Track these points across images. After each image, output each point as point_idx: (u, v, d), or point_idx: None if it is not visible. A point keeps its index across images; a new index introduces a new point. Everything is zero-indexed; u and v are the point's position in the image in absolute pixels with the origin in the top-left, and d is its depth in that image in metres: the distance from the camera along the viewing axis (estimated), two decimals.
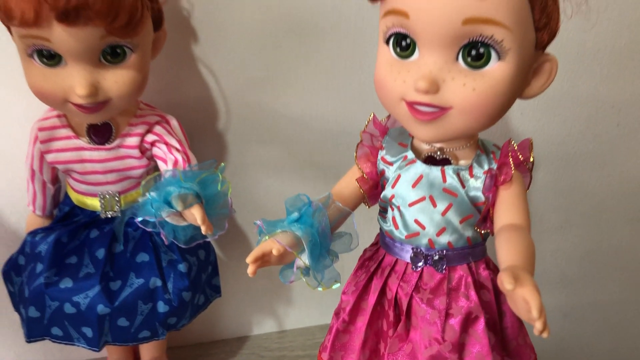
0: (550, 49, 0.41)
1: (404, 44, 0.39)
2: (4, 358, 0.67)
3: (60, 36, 0.43)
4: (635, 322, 0.92)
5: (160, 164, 0.52)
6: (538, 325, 0.32)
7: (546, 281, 0.85)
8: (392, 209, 0.43)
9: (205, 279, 0.57)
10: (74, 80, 0.46)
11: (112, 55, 0.46)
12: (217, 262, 0.60)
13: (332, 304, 0.49)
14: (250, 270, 0.39)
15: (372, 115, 0.45)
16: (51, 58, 0.45)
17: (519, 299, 0.33)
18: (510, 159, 0.41)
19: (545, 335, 0.33)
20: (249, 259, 0.39)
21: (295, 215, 0.41)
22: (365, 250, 0.48)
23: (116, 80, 0.47)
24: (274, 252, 0.39)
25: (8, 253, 0.57)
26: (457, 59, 0.37)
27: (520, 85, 0.39)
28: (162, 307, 0.52)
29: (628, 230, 0.84)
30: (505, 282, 0.32)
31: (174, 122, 0.54)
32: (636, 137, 0.78)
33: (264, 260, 0.40)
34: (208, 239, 0.50)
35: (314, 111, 0.64)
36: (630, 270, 0.87)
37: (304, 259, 0.41)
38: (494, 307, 0.43)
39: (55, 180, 0.56)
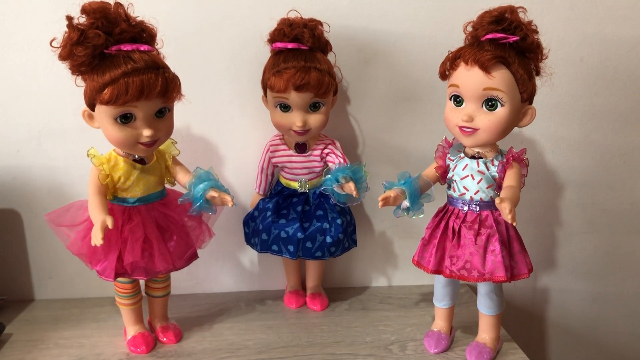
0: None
1: (458, 100, 0.81)
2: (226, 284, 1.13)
3: (293, 97, 0.90)
4: None
5: (330, 164, 0.97)
6: (509, 217, 0.72)
7: (577, 272, 1.16)
8: (453, 182, 0.84)
9: (349, 232, 1.00)
10: (295, 118, 0.92)
11: (314, 107, 0.93)
12: (355, 225, 1.02)
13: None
14: (380, 204, 0.82)
15: (444, 137, 0.88)
16: (286, 108, 0.93)
17: (502, 209, 0.73)
18: (511, 156, 0.81)
19: (514, 224, 0.72)
20: (379, 198, 0.81)
21: (402, 181, 0.84)
22: (439, 208, 0.88)
23: (315, 119, 0.92)
24: (392, 195, 0.82)
25: (239, 217, 1.04)
26: (482, 106, 0.78)
27: (514, 120, 0.79)
28: (328, 239, 0.95)
29: (639, 238, 1.17)
30: (496, 200, 0.73)
31: (337, 143, 0.98)
32: (638, 170, 1.13)
33: (386, 200, 0.82)
34: (355, 203, 0.94)
35: (412, 143, 1.07)
36: None
37: (406, 202, 0.83)
38: (504, 232, 0.81)
39: (273, 174, 1.03)
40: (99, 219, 0.76)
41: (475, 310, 0.91)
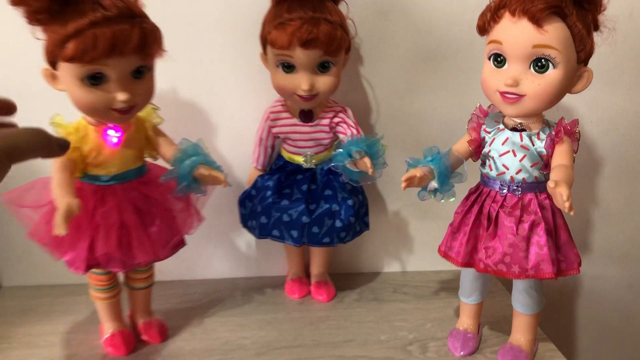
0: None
1: (499, 59, 0.67)
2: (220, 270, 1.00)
3: (298, 55, 0.76)
4: None
5: (341, 136, 0.83)
6: (566, 205, 0.58)
7: (613, 256, 1.05)
8: (489, 159, 0.71)
9: (361, 214, 0.87)
10: (301, 80, 0.78)
11: (322, 68, 0.79)
12: (368, 206, 0.89)
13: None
14: (402, 185, 0.68)
15: (478, 104, 0.74)
16: (290, 68, 0.78)
17: (557, 194, 0.60)
18: (562, 129, 0.68)
19: (572, 213, 0.59)
20: (403, 178, 0.68)
21: (430, 157, 0.70)
22: (470, 189, 0.75)
23: (324, 82, 0.78)
24: (418, 174, 0.68)
25: (234, 195, 0.91)
26: (529, 67, 0.65)
27: (567, 85, 0.65)
28: (338, 223, 0.82)
29: None
30: (550, 184, 0.60)
31: (349, 111, 0.85)
32: None
33: (411, 181, 0.69)
34: (370, 182, 0.80)
35: (436, 110, 0.93)
36: None
37: (434, 183, 0.70)
38: (551, 220, 0.69)
39: (273, 146, 0.89)
40: (63, 202, 0.63)
41: (504, 302, 0.81)
